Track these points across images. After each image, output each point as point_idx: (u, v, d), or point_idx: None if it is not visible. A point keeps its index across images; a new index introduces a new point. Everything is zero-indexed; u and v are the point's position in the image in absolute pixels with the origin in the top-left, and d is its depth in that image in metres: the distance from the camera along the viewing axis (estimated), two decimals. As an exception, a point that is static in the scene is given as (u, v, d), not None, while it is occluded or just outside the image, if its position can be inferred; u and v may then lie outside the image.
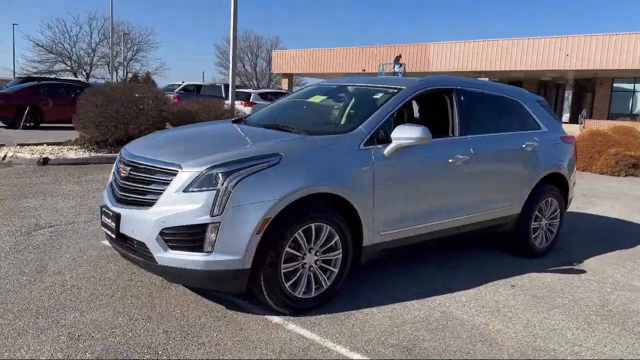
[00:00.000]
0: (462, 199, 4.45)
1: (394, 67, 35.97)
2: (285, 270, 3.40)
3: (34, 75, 20.43)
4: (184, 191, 3.24)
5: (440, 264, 4.84)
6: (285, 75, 45.20)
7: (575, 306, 4.04)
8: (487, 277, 4.56)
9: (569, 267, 5.06)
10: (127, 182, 3.56)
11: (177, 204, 3.24)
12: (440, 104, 4.64)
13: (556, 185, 5.36)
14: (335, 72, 40.21)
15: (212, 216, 3.17)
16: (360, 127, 3.89)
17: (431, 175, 4.21)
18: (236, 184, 3.21)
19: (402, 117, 4.73)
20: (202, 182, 3.23)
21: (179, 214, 3.22)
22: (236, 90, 20.01)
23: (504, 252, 5.33)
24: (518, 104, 5.20)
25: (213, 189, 3.20)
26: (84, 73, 51.71)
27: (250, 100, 17.68)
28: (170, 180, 3.30)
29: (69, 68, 51.55)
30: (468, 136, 4.52)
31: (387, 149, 3.85)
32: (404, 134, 3.83)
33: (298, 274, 3.49)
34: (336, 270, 3.67)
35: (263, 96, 17.93)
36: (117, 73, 53.30)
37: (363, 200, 3.71)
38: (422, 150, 4.11)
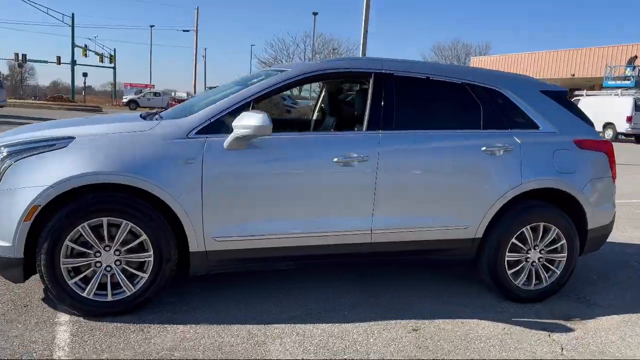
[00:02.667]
0: (359, 209, 3.51)
1: (625, 69, 30.83)
2: (68, 266, 3.09)
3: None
4: None
5: (365, 287, 3.92)
6: (484, 83, 42.68)
7: (459, 372, 2.85)
8: (398, 313, 3.52)
9: (553, 321, 3.61)
10: None
11: None
12: (361, 92, 3.75)
13: (559, 206, 3.89)
14: (539, 78, 36.50)
15: None
16: (199, 112, 3.36)
17: (300, 175, 3.40)
18: (10, 165, 3.03)
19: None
20: None
21: None
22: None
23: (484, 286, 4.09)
24: (498, 94, 3.89)
25: None
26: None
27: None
28: None
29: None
30: (379, 132, 3.55)
31: (227, 141, 3.24)
32: (242, 122, 3.18)
33: (89, 272, 3.14)
34: (146, 276, 3.21)
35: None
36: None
37: (185, 197, 3.18)
38: (285, 143, 3.39)
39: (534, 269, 3.88)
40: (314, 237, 3.44)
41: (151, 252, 3.18)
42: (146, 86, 62.74)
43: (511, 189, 3.72)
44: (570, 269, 3.94)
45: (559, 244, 3.88)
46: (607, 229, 4.14)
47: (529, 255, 3.85)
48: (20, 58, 51.03)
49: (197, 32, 52.08)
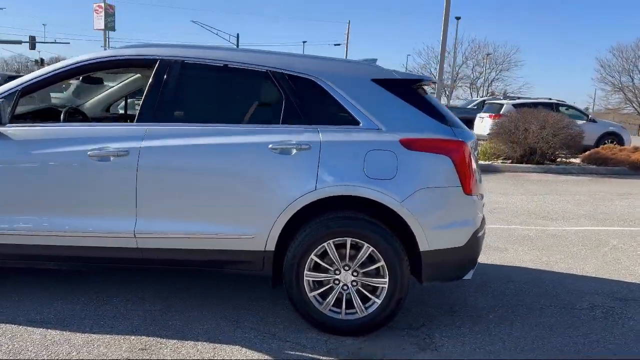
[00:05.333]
0: (120, 210, 3.19)
1: None
2: None
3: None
4: None
5: (165, 294, 3.58)
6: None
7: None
8: (156, 329, 3.13)
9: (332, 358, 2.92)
10: None
11: None
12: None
13: (381, 220, 3.13)
14: None
15: None
16: None
17: (50, 169, 3.19)
18: None
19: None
20: None
21: None
22: (490, 101, 17.99)
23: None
24: (310, 84, 3.24)
25: None
26: (445, 95, 54.37)
27: (501, 112, 15.31)
28: None
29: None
30: (147, 124, 3.21)
31: None
32: None
33: None
34: None
35: (519, 107, 15.21)
36: (477, 94, 54.11)
37: None
38: (34, 134, 3.26)
39: (344, 295, 3.17)
40: (75, 237, 3.23)
41: None
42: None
43: (303, 196, 3.09)
44: (396, 299, 3.13)
45: (377, 265, 3.12)
46: (463, 252, 3.20)
47: (338, 277, 3.16)
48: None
49: (347, 45, 53.35)
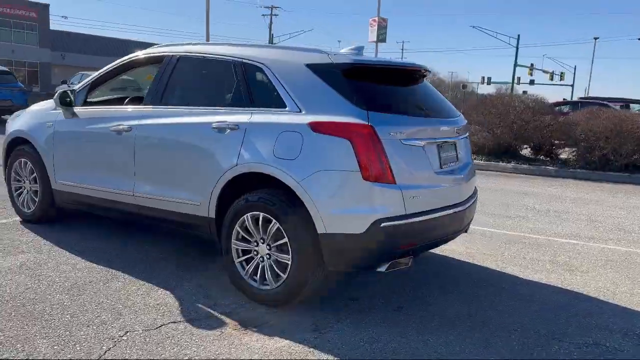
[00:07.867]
0: (127, 172, 4.02)
1: None
2: None
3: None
4: None
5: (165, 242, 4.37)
6: None
7: None
8: (127, 267, 3.94)
9: (226, 320, 3.23)
10: None
11: None
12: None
13: (290, 197, 3.24)
14: None
15: None
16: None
17: (93, 139, 4.30)
18: None
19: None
20: None
21: None
22: None
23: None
24: (257, 70, 3.49)
25: None
26: None
27: None
28: None
29: None
30: (147, 106, 4.02)
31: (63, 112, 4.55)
32: None
33: None
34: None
35: None
36: None
37: (46, 148, 4.60)
38: (87, 114, 4.39)
39: (261, 266, 3.43)
40: (117, 193, 4.17)
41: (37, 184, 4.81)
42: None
43: (228, 170, 3.45)
44: (299, 277, 3.23)
45: (283, 241, 3.28)
46: (363, 240, 3.06)
47: (257, 249, 3.42)
48: (485, 80, 56.77)
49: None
